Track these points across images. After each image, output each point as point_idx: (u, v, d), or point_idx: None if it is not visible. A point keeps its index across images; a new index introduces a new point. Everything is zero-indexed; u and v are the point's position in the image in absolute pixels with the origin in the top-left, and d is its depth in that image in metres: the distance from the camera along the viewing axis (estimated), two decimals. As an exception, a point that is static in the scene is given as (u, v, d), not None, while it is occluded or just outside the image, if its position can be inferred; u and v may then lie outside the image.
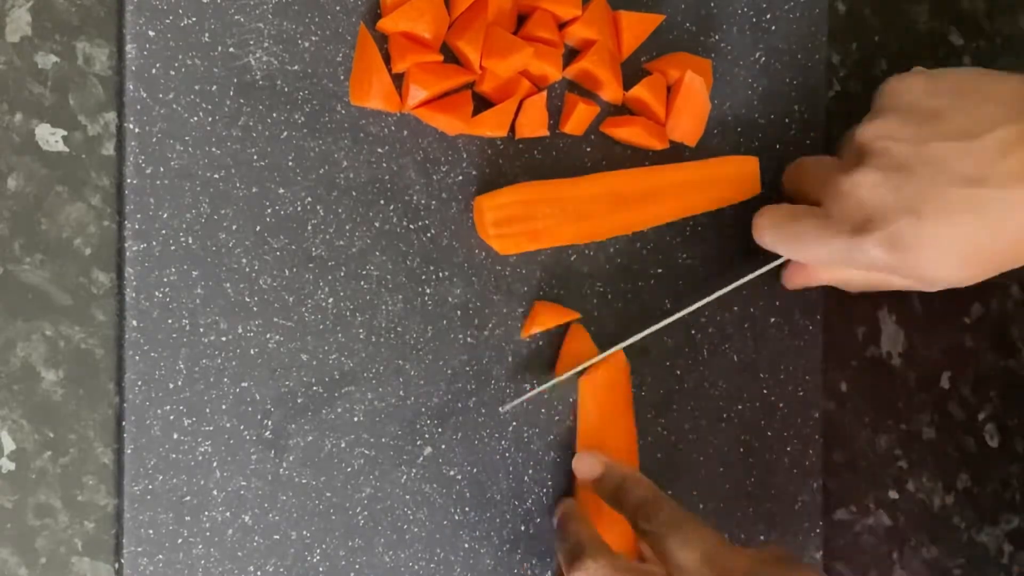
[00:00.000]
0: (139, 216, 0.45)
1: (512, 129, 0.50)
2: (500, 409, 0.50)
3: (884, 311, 0.59)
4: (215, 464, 0.46)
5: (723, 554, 0.44)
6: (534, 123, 0.50)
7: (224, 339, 0.46)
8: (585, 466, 0.50)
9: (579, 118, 0.50)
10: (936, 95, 0.47)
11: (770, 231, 0.50)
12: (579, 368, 0.51)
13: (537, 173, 0.51)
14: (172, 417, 0.45)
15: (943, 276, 0.46)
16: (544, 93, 0.50)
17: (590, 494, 0.50)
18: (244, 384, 0.46)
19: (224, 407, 0.46)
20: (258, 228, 0.46)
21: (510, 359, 0.51)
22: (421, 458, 0.49)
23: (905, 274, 0.47)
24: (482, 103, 0.49)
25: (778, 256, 0.51)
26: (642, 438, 0.53)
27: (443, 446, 0.50)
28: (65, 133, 0.44)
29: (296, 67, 0.47)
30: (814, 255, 0.49)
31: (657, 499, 0.47)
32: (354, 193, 0.48)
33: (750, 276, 0.52)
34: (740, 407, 0.55)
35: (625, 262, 0.52)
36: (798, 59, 0.56)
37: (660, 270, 0.53)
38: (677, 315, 0.52)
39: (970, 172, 0.44)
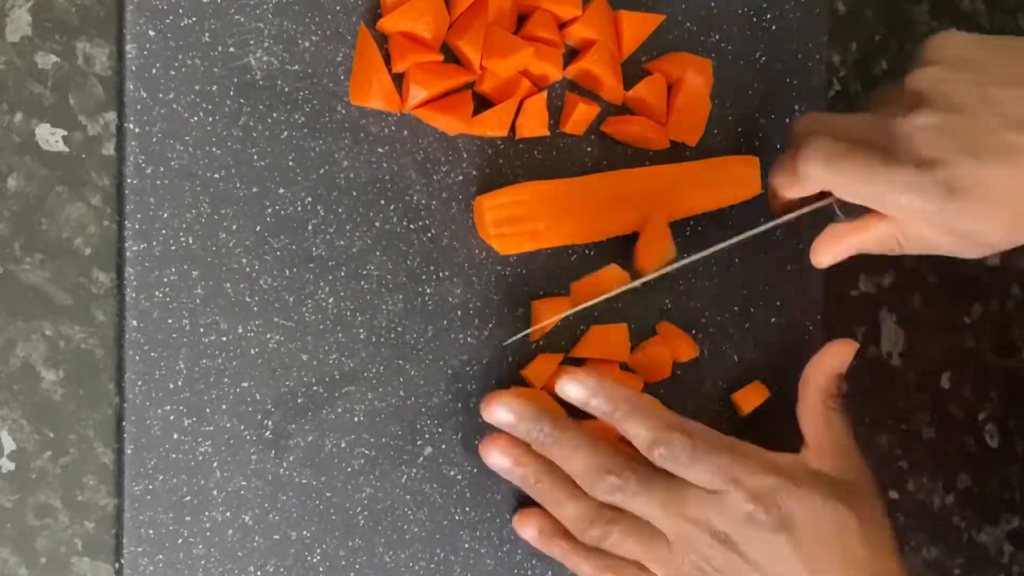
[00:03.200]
0: (139, 216, 0.45)
1: (512, 129, 0.50)
2: (503, 344, 0.50)
3: (884, 311, 0.59)
4: (215, 464, 0.46)
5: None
6: (534, 123, 0.50)
7: (224, 339, 0.46)
8: (571, 390, 0.49)
9: (579, 118, 0.50)
10: (984, 48, 0.46)
11: (823, 164, 0.47)
12: (598, 299, 0.50)
13: (537, 173, 0.50)
14: (172, 417, 0.45)
15: (993, 229, 0.45)
16: (544, 93, 0.50)
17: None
18: (244, 384, 0.46)
19: (224, 407, 0.46)
20: (258, 228, 0.46)
21: (510, 359, 0.51)
22: (421, 458, 0.49)
23: (954, 228, 0.45)
24: (482, 103, 0.49)
25: (815, 201, 0.49)
26: (642, 438, 0.53)
27: (443, 446, 0.50)
28: (65, 133, 0.44)
29: (296, 67, 0.47)
30: (871, 192, 0.46)
31: (668, 437, 0.47)
32: (354, 193, 0.48)
33: (788, 216, 0.50)
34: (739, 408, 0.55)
35: (625, 263, 0.52)
36: (798, 59, 0.56)
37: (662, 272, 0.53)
38: (708, 250, 0.51)
39: None
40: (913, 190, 0.45)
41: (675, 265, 0.51)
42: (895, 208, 0.46)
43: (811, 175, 0.47)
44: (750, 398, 0.55)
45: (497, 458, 0.49)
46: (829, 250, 0.50)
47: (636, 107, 0.52)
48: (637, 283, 0.51)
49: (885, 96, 0.49)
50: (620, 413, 0.48)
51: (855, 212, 0.48)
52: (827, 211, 0.50)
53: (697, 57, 0.53)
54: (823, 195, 0.49)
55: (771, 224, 0.51)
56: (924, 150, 0.44)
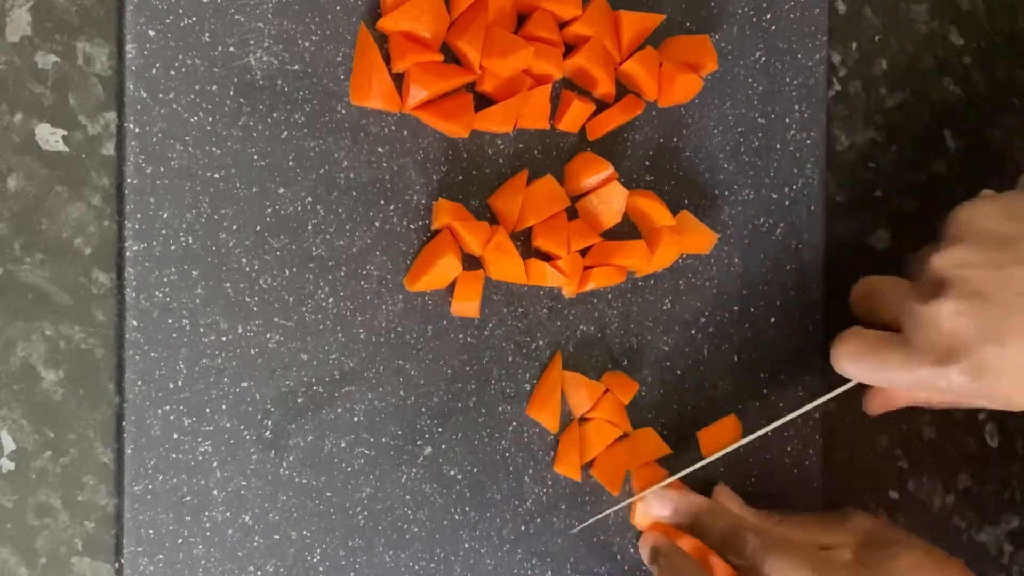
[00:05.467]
0: (139, 216, 0.45)
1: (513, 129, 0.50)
2: (572, 532, 0.52)
3: (884, 311, 0.59)
4: (215, 464, 0.46)
5: (821, 566, 0.46)
6: (536, 114, 0.50)
7: (224, 339, 0.46)
8: (655, 507, 0.51)
9: (574, 115, 0.50)
10: (1009, 219, 0.47)
11: (851, 361, 0.49)
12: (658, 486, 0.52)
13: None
14: (172, 417, 0.45)
15: None
16: (548, 86, 0.50)
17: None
18: (244, 384, 0.46)
19: (224, 407, 0.46)
20: (258, 228, 0.46)
21: (510, 359, 0.51)
22: (421, 458, 0.49)
23: (990, 399, 0.46)
24: (483, 102, 0.49)
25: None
26: (642, 438, 0.53)
27: (443, 446, 0.50)
28: (65, 133, 0.44)
29: (296, 67, 0.47)
30: (897, 383, 0.48)
31: (738, 530, 0.49)
32: (354, 193, 0.48)
33: (826, 398, 0.52)
34: (740, 407, 0.55)
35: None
36: (798, 59, 0.56)
37: (662, 272, 0.53)
38: (739, 443, 0.53)
39: None
40: (937, 380, 0.46)
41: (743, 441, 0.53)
42: (927, 393, 0.51)
43: (844, 371, 0.50)
44: (719, 437, 0.55)
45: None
46: (879, 407, 0.54)
47: (627, 82, 0.52)
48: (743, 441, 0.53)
49: (920, 262, 0.49)
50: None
51: None
52: None
53: (694, 36, 0.53)
54: None
55: (822, 399, 0.52)
56: (946, 340, 0.45)
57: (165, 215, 0.45)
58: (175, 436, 0.45)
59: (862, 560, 0.49)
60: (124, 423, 0.45)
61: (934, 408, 0.55)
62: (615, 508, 0.52)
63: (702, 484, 0.54)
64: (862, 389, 0.53)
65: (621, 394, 0.52)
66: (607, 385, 0.52)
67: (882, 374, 0.48)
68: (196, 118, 0.45)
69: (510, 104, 0.49)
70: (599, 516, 0.52)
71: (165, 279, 0.45)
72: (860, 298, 0.53)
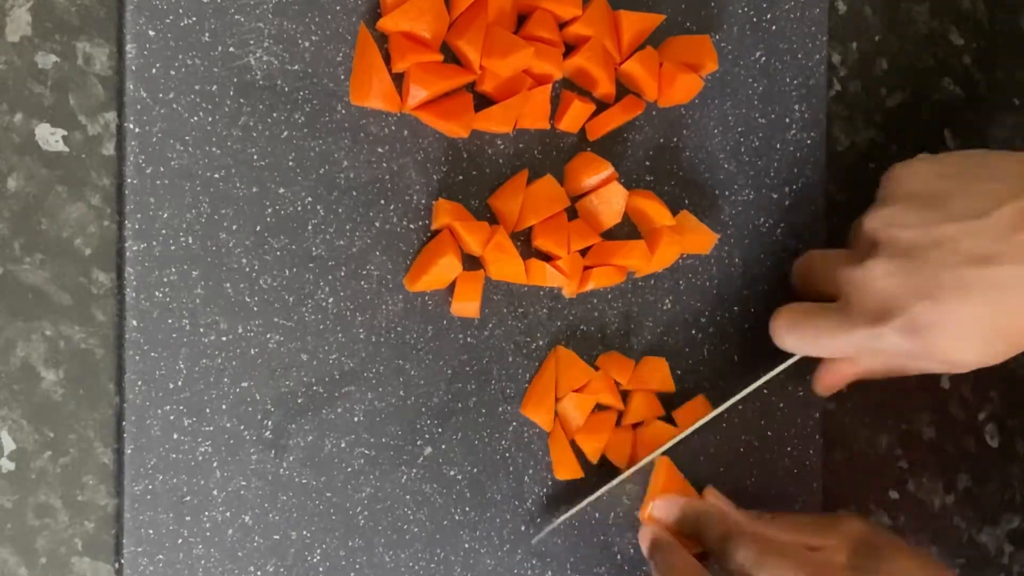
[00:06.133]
0: (139, 216, 0.45)
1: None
2: (532, 542, 0.51)
3: (884, 311, 0.59)
4: (215, 464, 0.46)
5: (815, 571, 0.46)
6: (536, 115, 0.50)
7: (224, 339, 0.46)
8: (662, 511, 0.51)
9: (574, 115, 0.50)
10: (940, 178, 0.47)
11: (789, 332, 0.50)
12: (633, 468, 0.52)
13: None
14: (172, 417, 0.45)
15: (967, 359, 0.46)
16: (548, 86, 0.50)
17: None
18: (244, 384, 0.46)
19: (224, 407, 0.46)
20: (258, 228, 0.46)
21: (510, 359, 0.51)
22: (421, 458, 0.49)
23: (929, 359, 0.47)
24: (483, 102, 0.49)
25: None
26: (642, 438, 0.53)
27: (443, 446, 0.50)
28: (65, 133, 0.44)
29: (296, 67, 0.47)
30: (837, 349, 0.49)
31: (730, 536, 0.49)
32: (354, 193, 0.48)
33: (771, 374, 0.52)
34: (740, 407, 0.55)
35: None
36: (798, 59, 0.56)
37: (662, 272, 0.53)
38: (713, 413, 0.53)
39: (982, 251, 0.44)
40: (874, 342, 0.46)
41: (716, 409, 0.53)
42: (866, 358, 0.50)
43: (784, 344, 0.50)
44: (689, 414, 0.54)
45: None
46: (827, 384, 0.54)
47: (627, 83, 0.52)
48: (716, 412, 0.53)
49: (857, 230, 0.50)
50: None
51: None
52: None
53: (694, 36, 0.53)
54: None
55: (766, 377, 0.52)
56: (880, 300, 0.46)
57: (165, 215, 0.45)
58: (175, 436, 0.45)
59: (855, 564, 0.48)
60: (124, 423, 0.45)
61: (880, 379, 0.54)
62: (591, 498, 0.52)
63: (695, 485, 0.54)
64: (809, 369, 0.53)
65: (616, 373, 0.52)
66: (602, 365, 0.52)
67: (820, 341, 0.48)
68: (196, 118, 0.45)
69: (510, 104, 0.49)
70: (575, 509, 0.51)
71: (165, 279, 0.45)
72: (800, 273, 0.53)
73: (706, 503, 0.52)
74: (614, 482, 0.51)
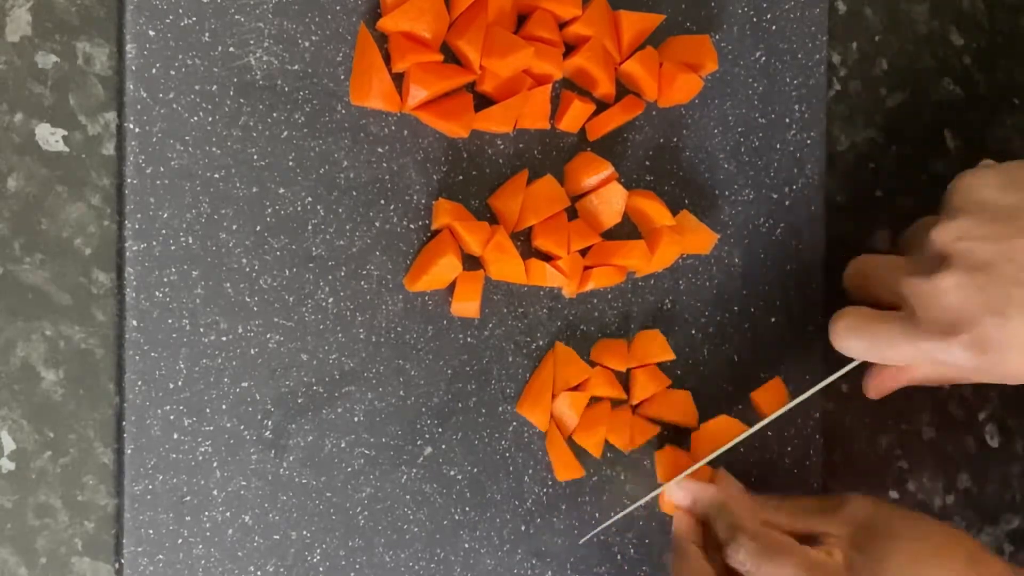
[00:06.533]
0: (139, 216, 0.45)
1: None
2: (580, 542, 0.52)
3: (884, 311, 0.59)
4: (215, 464, 0.46)
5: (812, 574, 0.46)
6: (536, 115, 0.50)
7: (224, 339, 0.46)
8: (676, 496, 0.52)
9: (574, 115, 0.50)
10: (1010, 189, 0.46)
11: (851, 336, 0.49)
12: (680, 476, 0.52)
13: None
14: (172, 417, 0.45)
15: None
16: (548, 86, 0.50)
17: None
18: (244, 384, 0.46)
19: (224, 407, 0.46)
20: (258, 228, 0.46)
21: (510, 359, 0.51)
22: (421, 458, 0.49)
23: (992, 374, 0.46)
24: (483, 102, 0.49)
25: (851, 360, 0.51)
26: (642, 438, 0.53)
27: (443, 446, 0.50)
28: (65, 133, 0.44)
29: (296, 67, 0.47)
30: (899, 357, 0.48)
31: (735, 532, 0.48)
32: (354, 193, 0.48)
33: (828, 380, 0.51)
34: (740, 407, 0.55)
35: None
36: (798, 59, 0.56)
37: (662, 272, 0.53)
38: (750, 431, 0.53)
39: None
40: (939, 356, 0.46)
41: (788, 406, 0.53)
42: (925, 368, 0.50)
43: (843, 347, 0.49)
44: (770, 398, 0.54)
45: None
46: (879, 388, 0.54)
47: (627, 82, 0.52)
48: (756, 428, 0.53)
49: (915, 238, 0.49)
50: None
51: None
52: None
53: (694, 36, 0.53)
54: None
55: (827, 380, 0.52)
56: (949, 314, 0.45)
57: (165, 215, 0.45)
58: (175, 436, 0.45)
59: (852, 563, 0.48)
60: (124, 423, 0.45)
61: (932, 387, 0.54)
62: (649, 497, 0.52)
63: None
64: (861, 373, 0.53)
65: (612, 361, 0.52)
66: (596, 358, 0.52)
67: (884, 350, 0.48)
68: (196, 118, 0.45)
69: (510, 104, 0.49)
70: (619, 515, 0.52)
71: (165, 279, 0.45)
72: (854, 277, 0.53)
73: (714, 493, 0.51)
74: (676, 480, 0.52)
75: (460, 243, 0.49)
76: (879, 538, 0.48)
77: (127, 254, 0.45)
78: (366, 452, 0.48)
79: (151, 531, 0.45)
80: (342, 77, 0.48)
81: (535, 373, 0.51)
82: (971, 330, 0.44)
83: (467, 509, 0.50)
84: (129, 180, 0.45)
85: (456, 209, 0.49)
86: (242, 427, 0.46)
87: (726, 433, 0.53)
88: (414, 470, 0.49)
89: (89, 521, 0.45)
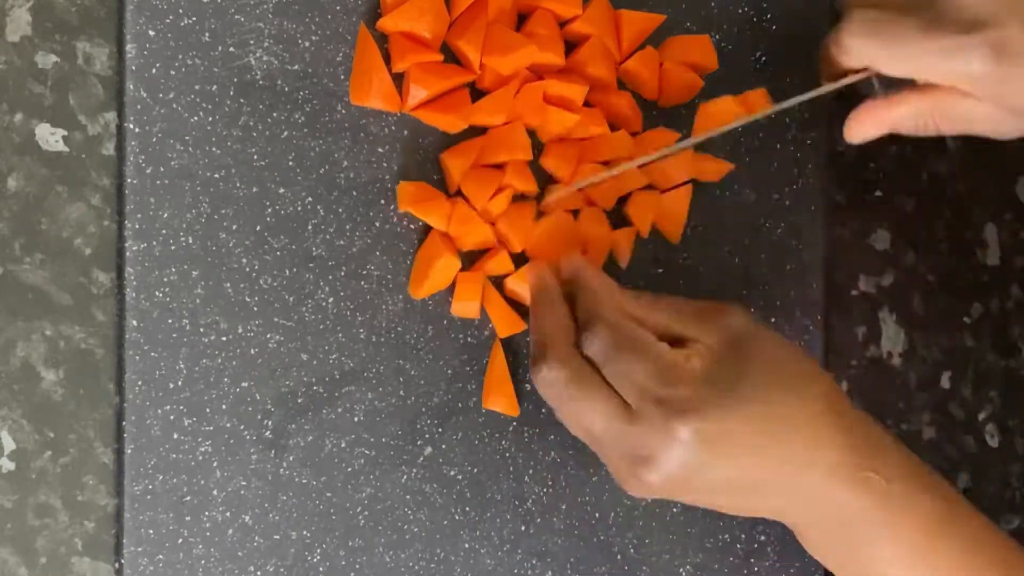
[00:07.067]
0: (139, 216, 0.45)
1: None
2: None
3: (884, 311, 0.59)
4: (215, 464, 0.46)
5: (663, 377, 0.42)
6: (531, 109, 0.49)
7: (224, 339, 0.46)
8: (532, 276, 0.48)
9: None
10: None
11: (864, 33, 0.46)
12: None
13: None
14: (172, 417, 0.45)
15: None
16: (543, 81, 0.49)
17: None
18: (244, 384, 0.46)
19: (224, 407, 0.46)
20: (258, 228, 0.46)
21: (510, 359, 0.51)
22: (421, 458, 0.49)
23: (1003, 96, 0.44)
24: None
25: (853, 73, 0.47)
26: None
27: (443, 446, 0.50)
28: (65, 133, 0.44)
29: (296, 67, 0.47)
30: (913, 58, 0.45)
31: (593, 317, 0.44)
32: (354, 193, 0.48)
33: (832, 86, 0.48)
34: (740, 407, 0.55)
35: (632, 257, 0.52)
36: (798, 59, 0.56)
37: (660, 269, 0.53)
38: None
39: None
40: (959, 54, 0.43)
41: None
42: (940, 75, 0.45)
43: (853, 47, 0.46)
44: None
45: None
46: (863, 125, 0.49)
47: (628, 81, 0.52)
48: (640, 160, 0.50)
49: None
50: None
51: (895, 88, 0.47)
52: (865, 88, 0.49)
53: (694, 36, 0.53)
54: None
55: (813, 93, 0.49)
56: (972, 12, 0.43)
57: (165, 215, 0.45)
58: (175, 436, 0.45)
59: (710, 375, 0.43)
60: (124, 423, 0.45)
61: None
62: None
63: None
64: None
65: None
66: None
67: (896, 47, 0.45)
68: (196, 118, 0.45)
69: (501, 95, 0.48)
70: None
71: (165, 279, 0.45)
72: (853, 3, 0.48)
73: (583, 262, 0.47)
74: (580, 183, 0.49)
75: (428, 223, 0.48)
76: (741, 357, 0.44)
77: (127, 254, 0.45)
78: (366, 452, 0.48)
79: (151, 531, 0.45)
80: (342, 77, 0.48)
81: (488, 367, 0.50)
82: (995, 30, 0.43)
83: (467, 509, 0.50)
84: (129, 180, 0.45)
85: (419, 188, 0.48)
86: (242, 427, 0.46)
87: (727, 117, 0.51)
88: (414, 470, 0.49)
89: (89, 521, 0.45)
